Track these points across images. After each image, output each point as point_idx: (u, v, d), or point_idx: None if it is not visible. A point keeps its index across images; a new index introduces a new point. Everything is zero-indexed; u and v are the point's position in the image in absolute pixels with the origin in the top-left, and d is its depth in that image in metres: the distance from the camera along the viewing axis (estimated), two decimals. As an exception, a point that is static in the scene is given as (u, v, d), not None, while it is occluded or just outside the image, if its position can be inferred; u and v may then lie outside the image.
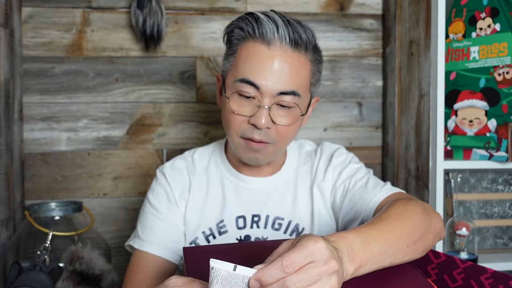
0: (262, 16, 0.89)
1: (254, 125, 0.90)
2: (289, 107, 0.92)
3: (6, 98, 1.27)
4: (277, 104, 0.91)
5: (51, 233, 1.19)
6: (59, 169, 1.44)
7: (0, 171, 1.23)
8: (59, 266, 1.12)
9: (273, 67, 0.89)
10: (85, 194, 1.45)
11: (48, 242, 1.18)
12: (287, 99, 0.90)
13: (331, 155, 1.05)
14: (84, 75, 1.44)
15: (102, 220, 1.45)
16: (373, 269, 0.64)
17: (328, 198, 1.02)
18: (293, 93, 0.90)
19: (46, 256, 1.18)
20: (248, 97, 0.91)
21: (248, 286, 0.53)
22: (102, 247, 1.27)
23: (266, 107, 0.89)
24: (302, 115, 0.94)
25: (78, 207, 1.28)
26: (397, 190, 0.93)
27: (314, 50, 0.95)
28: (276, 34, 0.88)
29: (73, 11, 1.43)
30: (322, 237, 0.58)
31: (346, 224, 0.98)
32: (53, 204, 1.30)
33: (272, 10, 0.92)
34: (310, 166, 1.06)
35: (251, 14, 0.91)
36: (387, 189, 0.93)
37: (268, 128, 0.91)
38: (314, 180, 1.04)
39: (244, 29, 0.91)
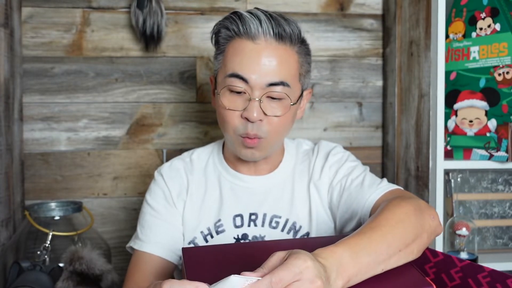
0: (245, 13, 0.92)
1: (247, 119, 0.92)
2: (279, 99, 0.93)
3: (6, 98, 1.28)
4: (268, 97, 0.92)
5: (51, 233, 1.19)
6: (59, 169, 1.44)
7: (0, 171, 1.23)
8: (59, 266, 1.12)
9: (260, 60, 0.91)
10: (85, 194, 1.45)
11: (48, 242, 1.18)
12: (277, 90, 0.92)
13: (327, 154, 1.05)
14: (84, 75, 1.44)
15: (102, 220, 1.46)
16: (364, 279, 0.65)
17: (325, 197, 1.02)
18: (282, 83, 0.92)
19: (46, 256, 1.18)
20: (238, 92, 0.92)
21: None
22: (102, 247, 1.27)
23: (257, 99, 0.91)
24: (293, 105, 0.95)
25: (78, 207, 1.28)
26: (393, 187, 0.93)
27: (300, 42, 0.97)
28: (260, 29, 0.91)
29: (73, 11, 1.43)
30: (312, 253, 0.60)
31: (343, 223, 0.98)
32: (53, 204, 1.30)
33: (256, 8, 0.95)
34: (307, 165, 1.07)
35: (235, 13, 0.94)
36: (383, 187, 0.93)
37: (261, 120, 0.92)
38: (311, 178, 1.04)
39: (229, 28, 0.94)
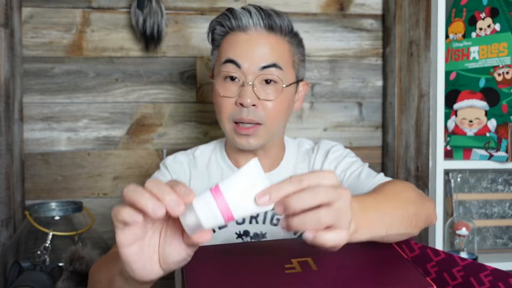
0: (237, 9, 0.97)
1: (242, 104, 0.94)
2: (273, 82, 0.95)
3: (7, 98, 1.28)
4: (261, 81, 0.95)
5: (51, 233, 1.19)
6: (59, 169, 1.44)
7: (1, 171, 1.23)
8: (59, 266, 1.12)
9: (253, 48, 0.95)
10: (85, 194, 1.45)
11: (48, 242, 1.18)
12: (270, 71, 0.94)
13: (327, 151, 1.07)
14: (84, 75, 1.44)
15: (102, 220, 1.45)
16: (367, 237, 0.64)
17: None
18: (274, 65, 0.95)
19: (46, 256, 1.18)
20: (232, 80, 0.95)
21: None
22: (102, 247, 1.27)
23: (250, 83, 0.93)
24: (286, 87, 0.97)
25: (78, 207, 1.28)
26: (389, 179, 0.95)
27: (291, 34, 1.00)
28: (250, 21, 0.95)
29: (73, 11, 1.43)
30: None
31: None
32: (53, 204, 1.30)
33: (249, 4, 0.99)
34: (307, 163, 1.08)
35: (228, 9, 0.99)
36: (379, 178, 0.95)
37: (255, 105, 0.94)
38: None
39: (223, 24, 0.98)
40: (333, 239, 0.54)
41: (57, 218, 1.25)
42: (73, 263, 1.08)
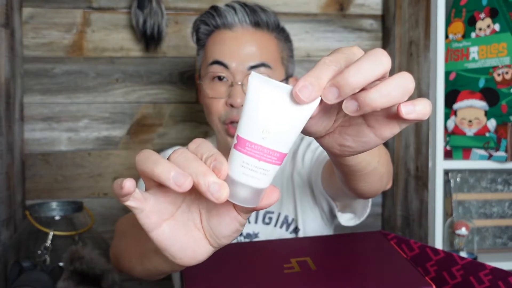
0: (221, 6, 0.95)
1: (232, 105, 0.92)
2: None
3: (7, 98, 1.28)
4: None
5: (51, 233, 1.19)
6: (59, 169, 1.44)
7: (1, 171, 1.23)
8: (60, 266, 1.12)
9: (239, 46, 0.93)
10: (85, 194, 1.45)
11: (49, 242, 1.19)
12: (258, 71, 0.92)
13: (309, 142, 1.07)
14: (84, 75, 1.45)
15: (102, 220, 1.46)
16: (368, 158, 0.57)
17: (306, 182, 1.03)
18: (263, 65, 0.93)
19: (46, 256, 1.18)
20: (221, 80, 0.94)
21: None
22: (102, 246, 1.27)
23: (239, 83, 0.92)
24: None
25: (78, 207, 1.28)
26: None
27: (278, 30, 0.98)
28: (235, 18, 0.94)
29: (73, 11, 1.43)
30: None
31: (317, 192, 0.99)
32: (53, 204, 1.30)
33: (233, 1, 0.97)
34: (292, 158, 1.08)
35: (212, 7, 0.97)
36: None
37: None
38: (294, 168, 1.05)
39: (208, 23, 0.97)
40: (427, 106, 0.38)
41: (57, 218, 1.25)
42: (74, 263, 1.08)
